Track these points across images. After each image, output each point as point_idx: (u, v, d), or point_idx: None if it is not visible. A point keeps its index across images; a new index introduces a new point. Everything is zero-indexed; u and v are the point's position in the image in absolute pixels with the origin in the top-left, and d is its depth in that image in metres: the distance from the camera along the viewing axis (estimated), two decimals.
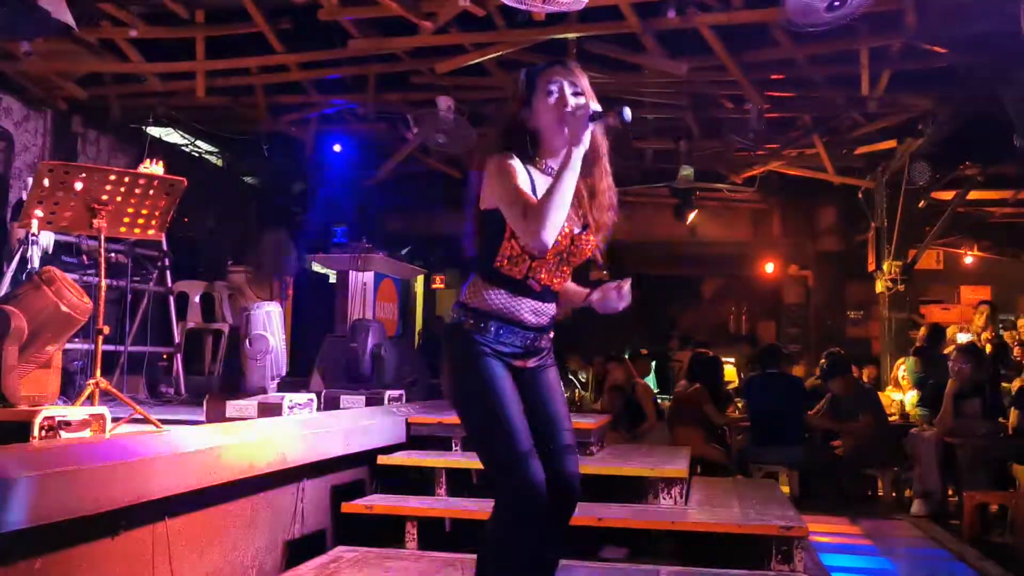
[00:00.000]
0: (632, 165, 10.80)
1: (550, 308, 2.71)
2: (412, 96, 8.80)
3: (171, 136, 10.23)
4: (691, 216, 11.39)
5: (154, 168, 5.51)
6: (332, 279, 10.14)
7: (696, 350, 9.49)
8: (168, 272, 7.33)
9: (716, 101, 8.85)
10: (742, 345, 12.62)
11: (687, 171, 10.15)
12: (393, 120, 9.30)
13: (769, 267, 14.15)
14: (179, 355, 7.34)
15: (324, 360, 6.98)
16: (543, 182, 2.60)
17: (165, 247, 7.21)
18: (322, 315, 8.47)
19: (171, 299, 7.37)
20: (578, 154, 2.48)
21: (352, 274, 8.06)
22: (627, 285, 2.72)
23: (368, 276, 8.11)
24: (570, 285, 2.82)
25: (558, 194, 2.44)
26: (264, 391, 5.35)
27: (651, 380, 10.29)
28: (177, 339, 7.38)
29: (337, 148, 10.27)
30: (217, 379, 7.80)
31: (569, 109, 2.58)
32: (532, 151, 2.66)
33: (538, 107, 2.65)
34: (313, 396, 4.91)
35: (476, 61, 7.66)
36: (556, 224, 2.44)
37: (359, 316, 7.82)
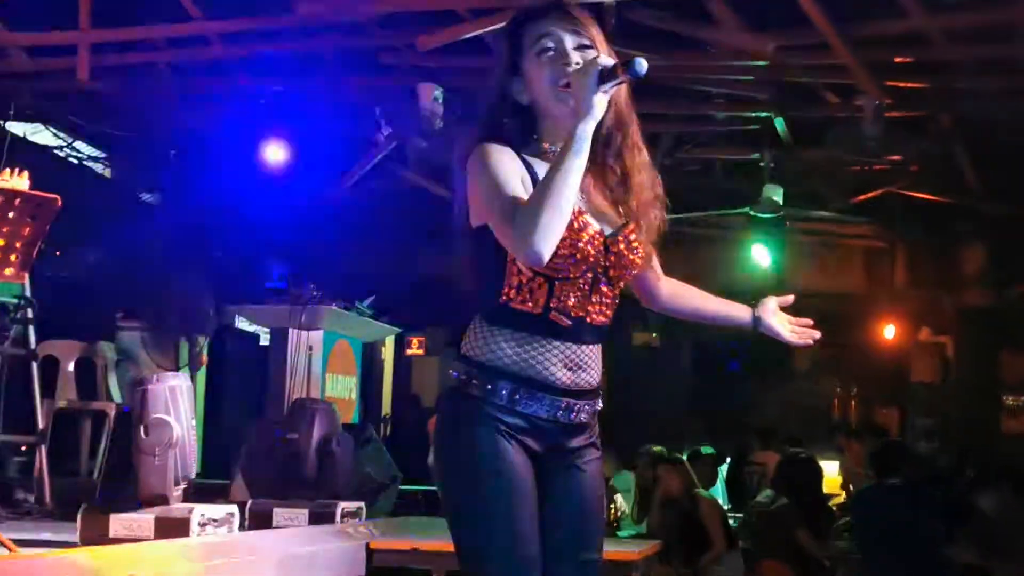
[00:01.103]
0: (694, 184, 10.84)
1: (593, 357, 2.65)
2: (383, 82, 8.86)
3: (40, 134, 10.31)
4: (778, 257, 11.39)
5: (15, 181, 5.53)
6: (264, 340, 10.14)
7: (786, 449, 9.42)
8: (31, 328, 7.32)
9: (815, 94, 8.89)
10: (851, 442, 12.52)
11: (773, 193, 10.17)
12: (356, 116, 9.36)
13: (889, 331, 14.09)
14: (43, 447, 7.30)
15: (251, 458, 6.95)
16: None
17: (28, 293, 7.21)
18: (249, 393, 8.46)
19: (34, 366, 7.35)
20: (586, 129, 2.47)
21: (292, 334, 8.05)
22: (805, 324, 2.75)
23: (315, 337, 8.11)
24: (710, 302, 2.92)
25: (556, 183, 2.42)
26: (165, 501, 5.32)
27: (719, 491, 10.21)
28: (41, 424, 7.34)
29: (276, 155, 10.34)
30: (97, 483, 7.75)
31: (572, 68, 2.58)
32: (531, 136, 2.67)
33: (530, 72, 2.65)
34: (235, 509, 4.88)
35: (474, 34, 7.72)
36: (553, 226, 2.41)
37: (301, 394, 7.79)
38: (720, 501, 9.28)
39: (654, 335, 15.11)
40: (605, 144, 2.65)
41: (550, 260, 2.46)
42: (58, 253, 8.43)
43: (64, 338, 8.21)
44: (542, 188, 2.44)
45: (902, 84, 8.46)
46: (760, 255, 11.53)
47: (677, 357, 15.49)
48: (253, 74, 8.91)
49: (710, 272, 12.70)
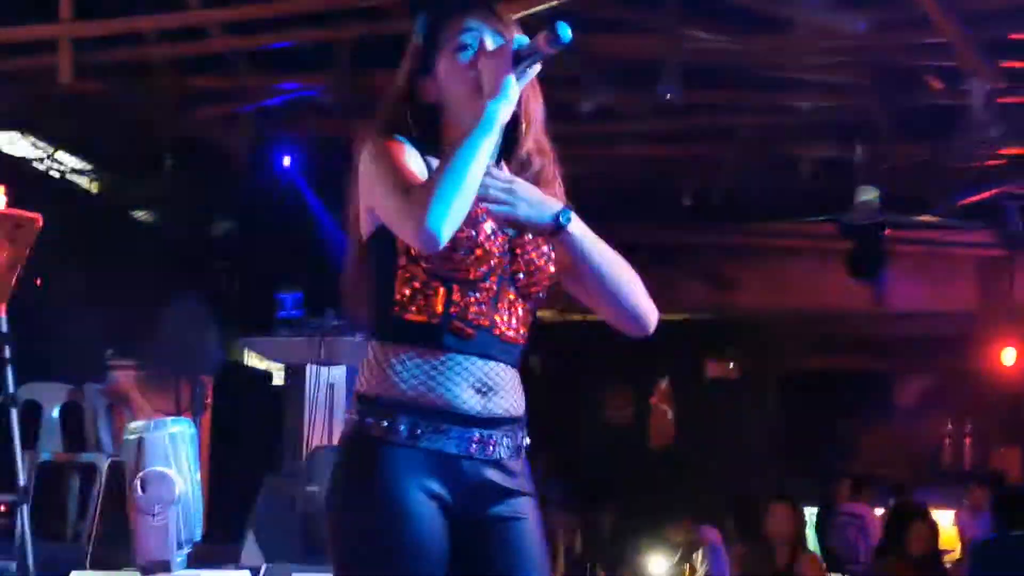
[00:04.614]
0: (775, 187, 10.80)
1: (506, 378, 2.64)
2: None
3: (17, 145, 10.41)
4: (875, 271, 11.32)
5: None
6: (277, 379, 10.16)
7: (894, 496, 9.36)
8: (9, 370, 7.37)
9: (916, 78, 8.84)
10: (970, 489, 12.40)
11: (870, 195, 10.11)
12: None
13: (1009, 355, 13.96)
14: (24, 507, 7.33)
15: (265, 515, 6.96)
16: None
17: (5, 328, 7.26)
18: (261, 440, 8.46)
19: (13, 414, 7.39)
20: (498, 109, 2.54)
21: (310, 370, 8.07)
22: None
23: (336, 373, 8.12)
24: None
25: (459, 157, 2.47)
26: (166, 567, 5.34)
27: (810, 543, 10.13)
28: (22, 480, 7.38)
29: (287, 162, 10.40)
30: (88, 547, 7.79)
31: (483, 52, 2.64)
32: (435, 138, 2.71)
33: (444, 71, 2.71)
34: None
35: (518, 16, 7.73)
36: (453, 202, 2.44)
37: (321, 441, 7.79)
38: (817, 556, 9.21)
39: (731, 365, 15.06)
40: (521, 167, 2.70)
41: (445, 257, 2.52)
42: (39, 281, 8.48)
43: (47, 380, 8.26)
44: (443, 163, 2.49)
45: (1018, 64, 8.39)
46: (857, 269, 11.44)
47: (760, 391, 15.41)
48: (259, 70, 8.95)
49: (794, 289, 12.66)
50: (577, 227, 2.66)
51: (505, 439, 2.63)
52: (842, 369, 15.16)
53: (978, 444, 16.03)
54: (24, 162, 10.45)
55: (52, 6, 7.95)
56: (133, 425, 6.79)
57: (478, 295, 2.61)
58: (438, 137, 2.71)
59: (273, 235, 10.83)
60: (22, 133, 10.22)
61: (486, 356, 2.61)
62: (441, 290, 2.59)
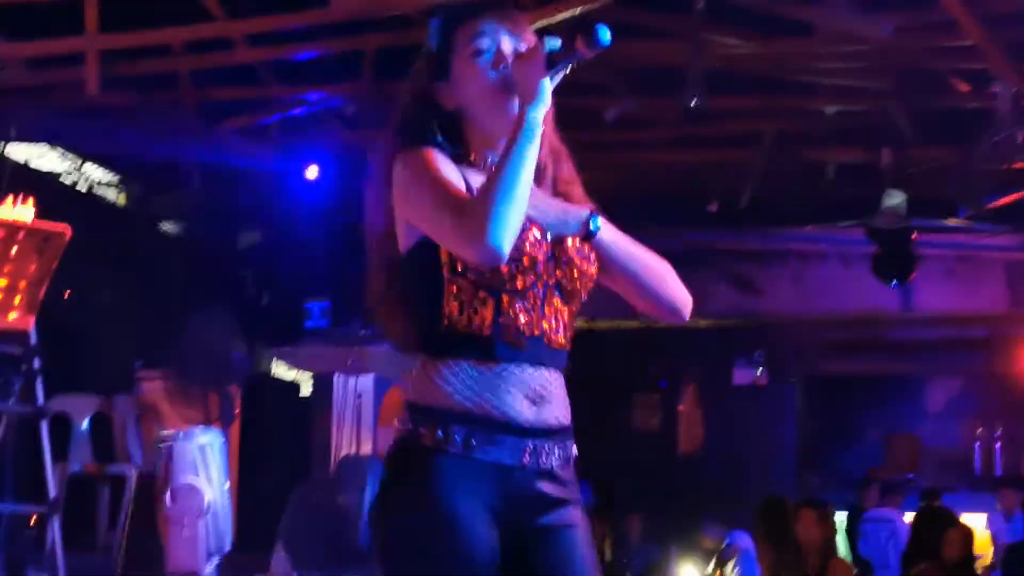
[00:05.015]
0: (800, 192, 10.77)
1: (557, 386, 2.66)
2: None
3: (45, 158, 10.45)
4: (903, 275, 11.27)
5: (18, 212, 5.61)
6: (306, 388, 10.17)
7: (925, 502, 9.32)
8: (39, 382, 7.40)
9: (942, 81, 8.81)
10: (1002, 492, 12.34)
11: (896, 199, 10.08)
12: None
13: None
14: (56, 518, 7.37)
15: (294, 525, 6.97)
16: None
17: (34, 341, 7.28)
18: (290, 449, 8.47)
19: (43, 425, 7.43)
20: (536, 115, 2.53)
21: (338, 380, 8.08)
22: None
23: (365, 382, 8.13)
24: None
25: (508, 169, 2.47)
26: None
27: (841, 547, 10.10)
28: (53, 492, 7.41)
29: (313, 172, 10.41)
30: (118, 558, 7.82)
31: (515, 56, 2.65)
32: (457, 146, 2.72)
33: (461, 76, 2.72)
34: None
35: (538, 26, 7.74)
36: (511, 215, 2.45)
37: (350, 450, 7.80)
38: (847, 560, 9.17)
39: (759, 371, 15.01)
40: (539, 173, 2.69)
41: (493, 268, 2.52)
42: (68, 294, 8.52)
43: (77, 392, 8.29)
44: (494, 177, 2.48)
45: None
46: (883, 274, 11.39)
47: (788, 396, 15.37)
48: (284, 80, 8.98)
49: (822, 295, 12.61)
50: (607, 232, 2.69)
51: (556, 449, 2.65)
52: (871, 373, 15.09)
53: (1009, 448, 15.94)
54: (52, 175, 10.49)
55: (78, 19, 7.98)
56: (162, 436, 6.83)
57: (526, 303, 2.62)
58: (461, 142, 2.72)
59: (300, 245, 10.85)
60: (50, 146, 10.26)
61: (537, 363, 2.63)
62: (490, 300, 2.60)
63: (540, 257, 2.62)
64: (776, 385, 14.87)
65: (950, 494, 11.93)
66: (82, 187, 10.85)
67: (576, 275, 2.68)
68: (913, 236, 11.18)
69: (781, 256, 13.07)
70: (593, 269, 2.71)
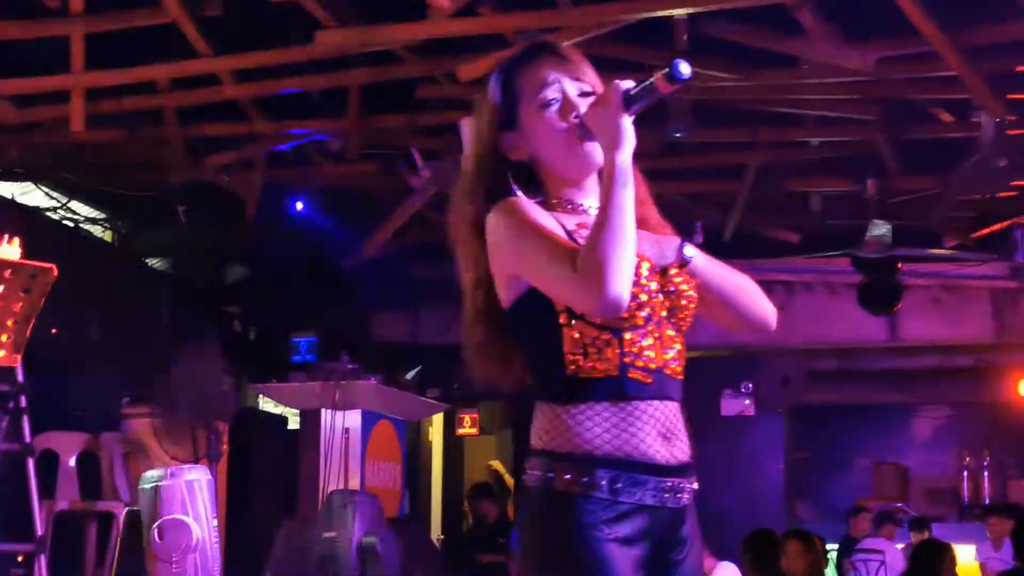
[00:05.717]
0: (786, 223, 10.80)
1: (681, 420, 2.68)
2: (420, 120, 8.92)
3: (31, 195, 10.45)
4: (891, 304, 11.29)
5: (5, 249, 5.61)
6: (293, 423, 10.15)
7: (913, 531, 9.32)
8: (26, 419, 7.39)
9: (924, 112, 8.85)
10: (990, 520, 12.34)
11: (881, 229, 10.11)
12: (389, 159, 9.43)
13: None
14: (43, 556, 7.34)
15: (282, 561, 6.95)
16: (575, 226, 2.66)
17: (21, 378, 7.27)
18: (277, 485, 8.45)
19: (30, 463, 7.40)
20: (624, 158, 2.55)
21: (325, 415, 8.07)
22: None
23: (352, 418, 8.12)
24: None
25: (613, 218, 2.49)
26: None
27: None
28: (40, 529, 7.38)
29: (299, 207, 10.43)
30: None
31: (586, 106, 2.66)
32: (534, 192, 2.75)
33: (531, 127, 2.73)
34: None
35: None
36: (625, 264, 2.48)
37: (338, 485, 7.78)
38: None
39: (747, 401, 15.00)
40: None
41: None
42: (54, 331, 8.51)
43: (63, 429, 8.26)
44: (599, 227, 2.49)
45: None
46: (870, 304, 11.41)
47: (776, 426, 15.36)
48: (270, 116, 9.00)
49: (808, 325, 12.61)
50: (699, 257, 2.74)
51: (687, 485, 2.68)
52: (858, 403, 15.11)
53: (996, 476, 15.95)
54: (38, 212, 10.48)
55: (64, 56, 8.00)
56: (149, 473, 6.81)
57: (646, 339, 2.63)
58: (537, 188, 2.75)
59: (286, 280, 10.84)
60: (36, 183, 10.25)
61: (665, 397, 2.66)
62: (614, 340, 2.61)
63: (654, 288, 2.64)
64: (763, 415, 14.87)
65: (939, 523, 11.94)
66: (68, 223, 10.84)
67: (684, 302, 2.71)
68: (899, 265, 11.21)
69: (767, 286, 13.03)
70: (696, 295, 2.73)
